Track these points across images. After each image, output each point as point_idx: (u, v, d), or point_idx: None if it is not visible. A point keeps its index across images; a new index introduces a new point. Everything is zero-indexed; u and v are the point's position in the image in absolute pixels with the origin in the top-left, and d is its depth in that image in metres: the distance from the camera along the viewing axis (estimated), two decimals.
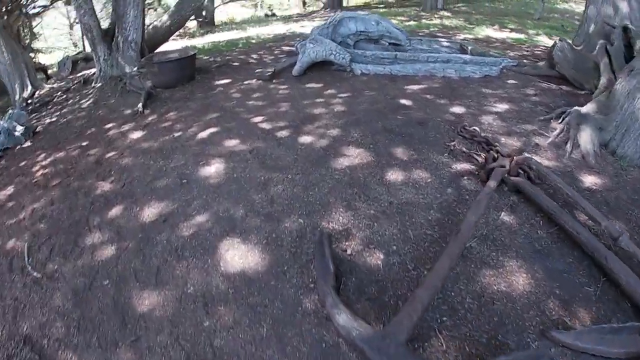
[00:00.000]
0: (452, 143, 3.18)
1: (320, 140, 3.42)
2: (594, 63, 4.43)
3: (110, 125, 4.81)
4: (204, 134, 3.94)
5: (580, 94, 4.37)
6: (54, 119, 5.64)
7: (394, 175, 2.84)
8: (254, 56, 7.35)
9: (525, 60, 5.90)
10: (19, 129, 5.00)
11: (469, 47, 5.66)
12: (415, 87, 4.63)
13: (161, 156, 3.64)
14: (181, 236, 2.53)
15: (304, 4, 20.97)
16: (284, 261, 2.21)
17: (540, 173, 2.58)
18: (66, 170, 3.83)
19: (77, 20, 6.16)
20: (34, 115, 6.18)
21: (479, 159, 2.97)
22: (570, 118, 3.46)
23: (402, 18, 10.88)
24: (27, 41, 9.67)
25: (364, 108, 4.03)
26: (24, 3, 8.10)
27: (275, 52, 7.54)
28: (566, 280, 2.08)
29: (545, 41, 7.65)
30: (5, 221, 3.18)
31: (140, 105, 5.09)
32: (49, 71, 9.89)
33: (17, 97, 7.27)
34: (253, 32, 11.15)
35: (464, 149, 3.12)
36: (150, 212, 2.85)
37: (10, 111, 5.62)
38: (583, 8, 5.66)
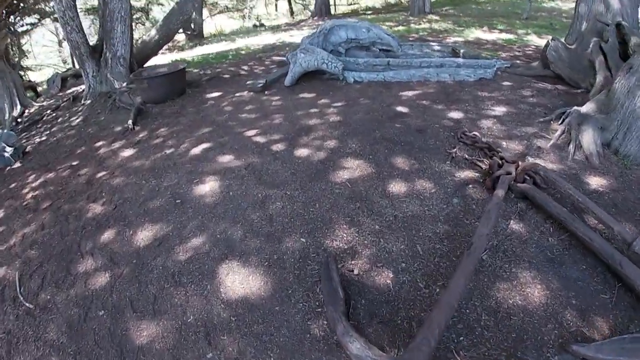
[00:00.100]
0: (454, 150, 3.09)
1: (318, 153, 3.32)
2: (589, 61, 4.40)
3: (100, 143, 4.70)
4: (196, 150, 3.83)
5: (577, 92, 4.33)
6: (43, 138, 5.54)
7: (397, 187, 2.74)
8: (245, 67, 7.27)
9: (517, 61, 5.89)
10: (9, 149, 4.88)
11: (461, 50, 5.62)
12: (410, 93, 4.56)
13: (153, 175, 3.52)
14: (177, 261, 2.40)
15: (292, 13, 21.03)
16: (287, 284, 2.09)
17: (549, 179, 2.50)
18: (56, 192, 3.71)
19: (65, 37, 6.10)
20: (23, 134, 6.08)
21: (483, 165, 2.89)
22: (571, 118, 3.41)
23: (391, 23, 10.88)
24: (16, 59, 9.57)
25: (360, 117, 3.94)
26: (12, 21, 7.99)
27: (266, 62, 7.47)
28: (581, 288, 2.02)
29: (536, 40, 7.66)
30: None
31: (130, 122, 4.98)
32: (39, 89, 9.78)
33: (6, 116, 7.17)
34: (242, 43, 11.09)
35: (466, 156, 3.04)
36: (144, 235, 2.73)
37: None
38: (570, 5, 5.70)
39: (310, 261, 2.21)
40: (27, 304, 2.38)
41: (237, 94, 5.49)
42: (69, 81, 8.85)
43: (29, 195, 3.80)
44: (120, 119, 5.28)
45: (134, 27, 7.02)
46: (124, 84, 6.06)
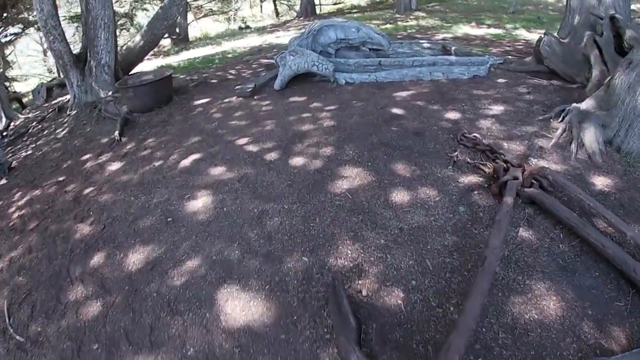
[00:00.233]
0: (455, 154, 2.99)
1: (314, 161, 3.19)
2: (583, 55, 4.34)
3: (87, 156, 4.51)
4: (186, 162, 3.67)
5: (573, 88, 4.27)
6: (29, 152, 5.34)
7: (400, 196, 2.63)
8: (232, 71, 7.10)
9: (509, 57, 5.83)
10: None
11: (453, 48, 5.54)
12: (404, 93, 4.46)
13: (142, 191, 3.36)
14: (173, 286, 2.25)
15: (278, 14, 20.84)
16: (292, 310, 1.96)
17: (558, 184, 2.41)
18: (43, 210, 3.54)
19: (48, 47, 5.91)
20: (9, 148, 5.88)
21: (486, 169, 2.80)
22: (571, 116, 3.34)
23: (378, 22, 10.79)
24: (0, 70, 9.29)
25: (355, 121, 3.82)
26: None
27: (254, 65, 7.31)
28: (595, 297, 1.97)
29: (525, 35, 7.64)
30: None
31: (116, 133, 4.80)
32: (24, 100, 9.51)
33: None
34: (228, 46, 10.89)
35: (468, 159, 2.94)
36: (135, 258, 2.57)
37: None
38: None
39: (315, 282, 2.07)
40: (17, 337, 2.23)
41: (226, 100, 5.33)
42: (54, 91, 8.63)
43: (15, 215, 3.63)
44: (106, 130, 5.09)
45: (118, 34, 6.83)
46: (110, 93, 5.87)
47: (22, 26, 9.06)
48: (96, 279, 2.50)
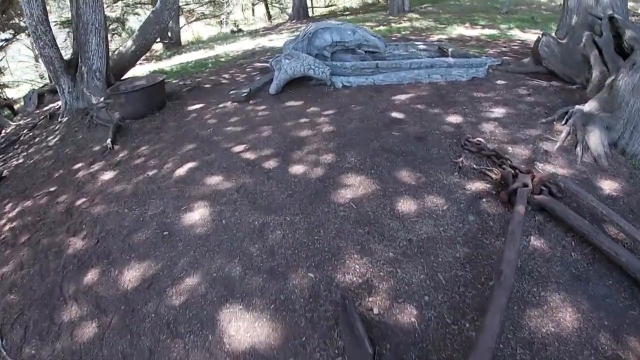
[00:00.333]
0: (460, 159, 2.91)
1: (315, 169, 3.09)
2: (583, 56, 4.30)
3: (79, 165, 4.37)
4: (181, 171, 3.55)
5: (573, 89, 4.23)
6: (20, 160, 5.17)
7: (406, 205, 2.53)
8: (226, 76, 6.97)
9: (506, 57, 5.80)
10: None
11: (450, 49, 5.47)
12: (403, 97, 4.38)
13: (136, 202, 3.23)
14: (171, 306, 2.14)
15: (270, 17, 20.74)
16: (300, 330, 1.85)
17: (570, 191, 2.33)
18: (34, 223, 3.40)
19: (38, 53, 5.78)
20: (0, 157, 5.70)
21: (493, 175, 2.72)
22: (575, 119, 3.28)
23: (371, 24, 10.73)
24: None
25: (355, 126, 3.73)
26: None
27: (248, 69, 7.19)
28: (610, 306, 1.93)
29: (519, 35, 7.61)
30: None
31: (109, 140, 4.66)
32: (16, 106, 9.31)
33: None
34: (221, 49, 10.76)
35: (474, 165, 2.86)
36: (131, 275, 2.45)
37: None
38: None
39: (323, 301, 1.97)
40: None
41: (220, 105, 5.20)
42: (46, 97, 8.45)
43: (6, 227, 3.49)
44: (98, 137, 4.95)
45: (109, 39, 6.70)
46: (101, 99, 5.73)
47: (13, 32, 8.88)
48: (91, 298, 2.38)
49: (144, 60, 10.83)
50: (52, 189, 3.96)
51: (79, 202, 3.53)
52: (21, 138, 6.19)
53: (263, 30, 14.80)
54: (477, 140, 3.08)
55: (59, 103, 6.51)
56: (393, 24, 10.18)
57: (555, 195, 2.45)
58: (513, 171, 2.56)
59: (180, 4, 16.01)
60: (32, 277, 2.71)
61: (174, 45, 14.79)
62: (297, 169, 3.17)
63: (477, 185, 2.67)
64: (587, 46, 4.23)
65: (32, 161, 4.98)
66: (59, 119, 6.10)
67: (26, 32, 9.08)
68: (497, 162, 2.82)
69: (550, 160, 2.98)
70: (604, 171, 2.88)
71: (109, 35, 6.49)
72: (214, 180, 3.26)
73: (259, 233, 2.52)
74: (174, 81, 7.12)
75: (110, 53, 6.46)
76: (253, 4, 22.74)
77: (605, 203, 2.48)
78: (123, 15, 15.17)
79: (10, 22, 8.29)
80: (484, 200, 2.52)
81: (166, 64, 10.18)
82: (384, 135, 3.46)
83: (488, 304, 1.70)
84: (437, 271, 2.04)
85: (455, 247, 2.19)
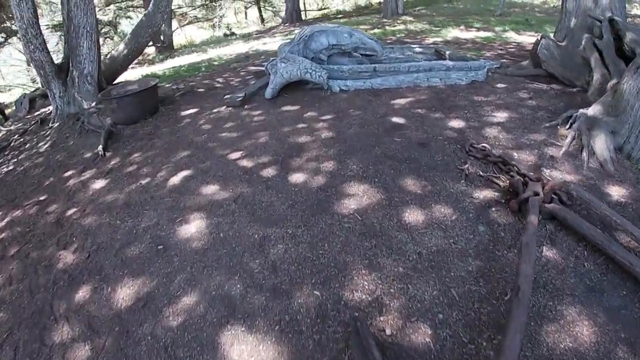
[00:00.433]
0: (465, 166, 2.82)
1: (315, 178, 2.98)
2: (583, 59, 4.26)
3: (69, 172, 4.22)
4: (175, 180, 3.42)
5: (574, 92, 4.18)
6: (10, 167, 5.00)
7: (413, 216, 2.43)
8: (220, 80, 6.85)
9: (504, 60, 5.75)
10: None
11: (447, 52, 5.41)
12: (403, 101, 4.29)
13: (129, 213, 3.10)
14: (169, 327, 2.01)
15: (263, 20, 20.62)
16: (308, 354, 1.73)
17: (582, 199, 2.26)
18: (24, 234, 3.24)
19: (29, 57, 5.62)
20: None
21: (500, 183, 2.63)
22: (579, 123, 3.22)
23: (365, 27, 10.67)
24: None
25: (355, 132, 3.63)
26: None
27: (242, 73, 7.07)
28: (625, 317, 1.88)
29: (515, 37, 7.59)
30: None
31: (100, 147, 4.52)
32: (7, 111, 9.10)
33: None
34: (214, 53, 10.62)
35: (480, 172, 2.77)
36: (124, 293, 2.32)
37: None
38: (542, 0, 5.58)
39: (331, 321, 1.85)
40: None
41: (215, 110, 5.08)
42: (37, 102, 8.28)
43: None
44: (90, 143, 4.80)
45: (101, 42, 6.55)
46: (93, 104, 5.57)
47: (4, 35, 8.68)
48: (82, 317, 2.24)
49: (136, 64, 10.67)
50: (42, 198, 3.81)
51: (69, 212, 3.38)
52: (12, 144, 6.01)
53: (256, 34, 14.69)
54: (482, 146, 2.99)
55: (50, 108, 6.36)
56: (387, 27, 10.12)
57: (565, 203, 2.37)
58: (522, 179, 2.47)
59: (173, 7, 15.83)
60: (21, 294, 2.56)
61: (167, 49, 14.60)
62: (297, 177, 3.05)
63: (485, 194, 2.58)
64: (588, 49, 4.18)
65: (22, 168, 4.82)
66: (50, 124, 5.94)
67: (17, 35, 8.89)
68: (504, 169, 2.74)
69: (556, 166, 2.90)
70: (611, 177, 2.81)
71: (100, 39, 6.33)
72: (210, 189, 3.14)
73: (259, 247, 2.39)
74: (167, 85, 6.98)
75: (102, 57, 6.32)
76: (246, 7, 22.61)
77: (615, 210, 2.41)
78: (115, 19, 14.98)
79: (2, 25, 8.09)
80: (493, 209, 2.43)
81: (159, 68, 10.02)
82: (386, 141, 3.36)
83: (506, 322, 1.61)
84: (450, 286, 1.94)
85: (467, 260, 2.09)
